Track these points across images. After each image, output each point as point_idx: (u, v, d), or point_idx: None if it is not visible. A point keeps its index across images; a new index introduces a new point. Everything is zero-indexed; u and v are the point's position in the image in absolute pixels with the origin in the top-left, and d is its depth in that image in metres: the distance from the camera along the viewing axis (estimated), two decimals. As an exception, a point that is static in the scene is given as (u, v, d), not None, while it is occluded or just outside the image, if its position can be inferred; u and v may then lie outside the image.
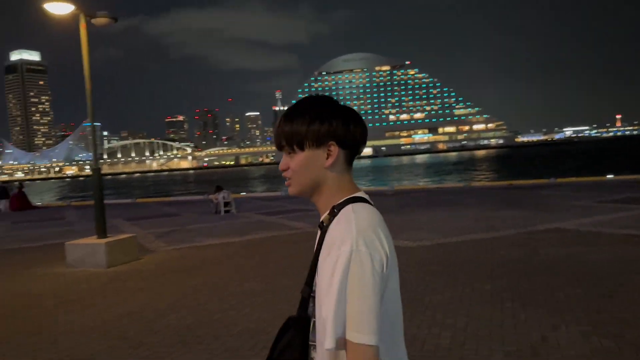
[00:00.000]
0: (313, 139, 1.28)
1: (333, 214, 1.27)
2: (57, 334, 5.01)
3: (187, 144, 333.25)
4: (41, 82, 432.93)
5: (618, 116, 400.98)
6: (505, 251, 7.59)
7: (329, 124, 1.28)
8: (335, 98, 1.39)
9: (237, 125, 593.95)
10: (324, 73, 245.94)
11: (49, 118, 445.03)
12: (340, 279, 1.14)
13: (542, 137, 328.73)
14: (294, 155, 1.31)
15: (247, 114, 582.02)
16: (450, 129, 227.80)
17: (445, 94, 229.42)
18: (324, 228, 1.28)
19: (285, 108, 1.51)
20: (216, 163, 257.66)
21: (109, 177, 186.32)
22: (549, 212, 11.80)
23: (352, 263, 1.14)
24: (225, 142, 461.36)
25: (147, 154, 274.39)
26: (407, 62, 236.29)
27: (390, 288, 1.22)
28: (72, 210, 22.61)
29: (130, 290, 6.65)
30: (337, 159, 1.30)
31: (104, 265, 8.15)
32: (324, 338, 1.16)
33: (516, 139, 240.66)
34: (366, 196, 1.33)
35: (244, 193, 18.13)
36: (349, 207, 1.26)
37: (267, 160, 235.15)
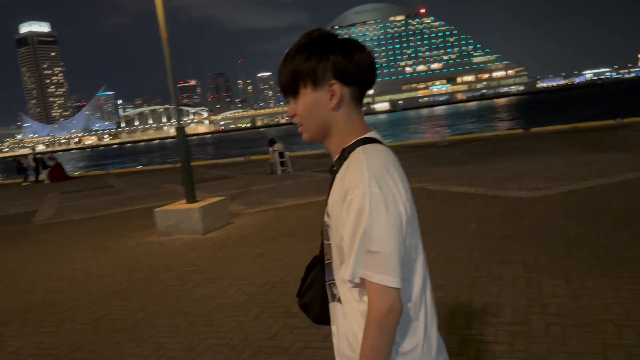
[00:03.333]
0: (312, 78, 1.22)
1: (343, 157, 1.23)
2: (206, 312, 4.33)
3: (202, 108, 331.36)
4: (53, 54, 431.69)
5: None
6: (658, 196, 6.69)
7: (326, 60, 1.21)
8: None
9: (250, 87, 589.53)
10: (336, 27, 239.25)
11: (64, 89, 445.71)
12: (354, 223, 1.14)
13: (563, 82, 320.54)
14: (298, 99, 1.26)
15: (259, 74, 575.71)
16: (469, 77, 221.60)
17: (462, 42, 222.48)
18: (334, 172, 1.25)
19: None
20: (232, 126, 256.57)
21: (129, 145, 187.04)
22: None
23: (366, 206, 1.13)
24: (239, 105, 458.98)
25: (164, 120, 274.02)
26: (422, 10, 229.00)
27: (407, 231, 1.18)
28: (115, 178, 22.12)
29: (250, 258, 5.95)
30: (342, 98, 1.23)
31: (200, 232, 7.48)
32: (344, 272, 1.19)
33: (537, 85, 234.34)
34: (378, 136, 1.28)
35: (288, 153, 17.28)
36: (359, 149, 1.21)
37: (283, 121, 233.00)
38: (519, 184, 8.81)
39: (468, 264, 4.74)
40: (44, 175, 24.40)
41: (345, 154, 1.23)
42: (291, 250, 6.07)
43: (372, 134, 1.27)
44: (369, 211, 1.12)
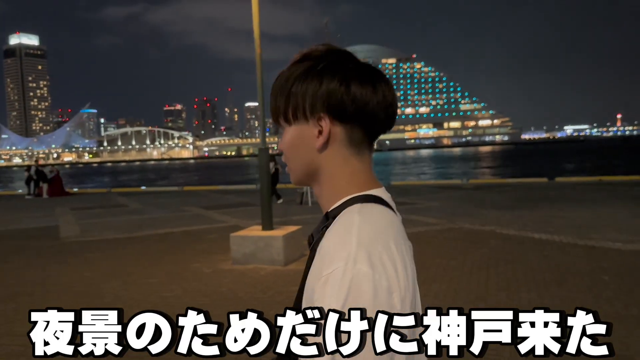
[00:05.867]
0: (296, 107, 0.93)
1: (326, 222, 0.91)
2: None
3: (186, 133, 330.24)
4: (40, 67, 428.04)
5: (619, 115, 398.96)
6: None
7: (317, 84, 0.91)
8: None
9: (236, 116, 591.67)
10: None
11: (47, 103, 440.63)
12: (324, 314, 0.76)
13: (545, 135, 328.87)
14: (283, 132, 0.99)
15: (247, 104, 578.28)
16: (456, 124, 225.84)
17: (451, 89, 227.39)
18: (313, 243, 0.91)
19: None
20: (217, 153, 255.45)
21: (109, 164, 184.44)
22: None
23: (343, 289, 0.76)
24: (224, 132, 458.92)
25: (148, 142, 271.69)
26: (413, 56, 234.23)
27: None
28: (122, 197, 21.21)
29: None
30: (334, 138, 0.92)
31: (281, 262, 6.85)
32: None
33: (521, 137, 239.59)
34: (386, 196, 0.94)
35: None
36: (355, 207, 0.89)
37: (270, 152, 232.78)
38: (601, 234, 8.42)
39: (651, 323, 4.24)
40: (43, 188, 23.43)
41: (329, 217, 0.91)
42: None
43: (377, 192, 0.93)
44: (345, 298, 0.75)
